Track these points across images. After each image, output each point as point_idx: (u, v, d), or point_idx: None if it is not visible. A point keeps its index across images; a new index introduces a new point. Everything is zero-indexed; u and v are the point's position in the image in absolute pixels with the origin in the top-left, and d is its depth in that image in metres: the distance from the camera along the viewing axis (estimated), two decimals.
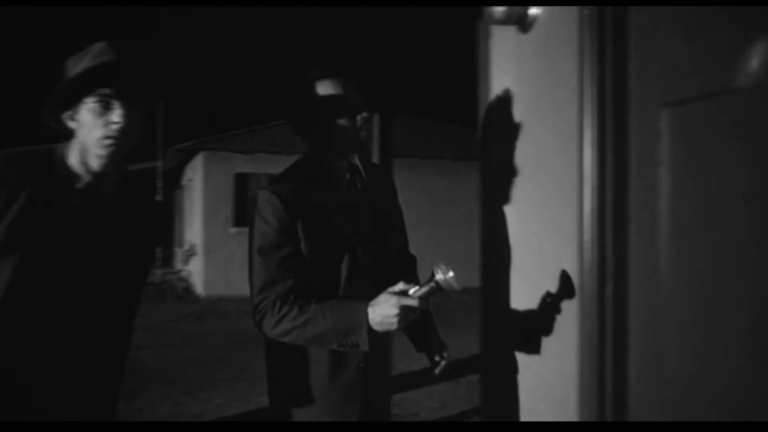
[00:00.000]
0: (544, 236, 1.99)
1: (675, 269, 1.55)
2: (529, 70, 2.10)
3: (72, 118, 1.56)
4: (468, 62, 2.47)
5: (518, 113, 2.14)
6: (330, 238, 1.75)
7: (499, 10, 2.08)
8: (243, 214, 13.43)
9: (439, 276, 1.55)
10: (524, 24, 2.10)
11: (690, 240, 1.52)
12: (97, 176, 1.56)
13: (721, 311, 1.43)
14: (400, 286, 1.61)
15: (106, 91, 1.52)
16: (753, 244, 1.35)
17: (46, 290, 1.50)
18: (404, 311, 1.57)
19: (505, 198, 2.18)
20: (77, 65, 1.54)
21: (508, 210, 2.19)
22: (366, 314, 1.62)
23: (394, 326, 1.60)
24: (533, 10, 2.07)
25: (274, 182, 1.81)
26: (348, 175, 1.86)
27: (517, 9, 2.07)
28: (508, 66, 2.22)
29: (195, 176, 14.43)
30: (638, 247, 1.67)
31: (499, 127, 2.23)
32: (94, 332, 1.57)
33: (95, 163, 1.54)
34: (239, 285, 13.46)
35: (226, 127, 13.85)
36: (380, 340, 1.70)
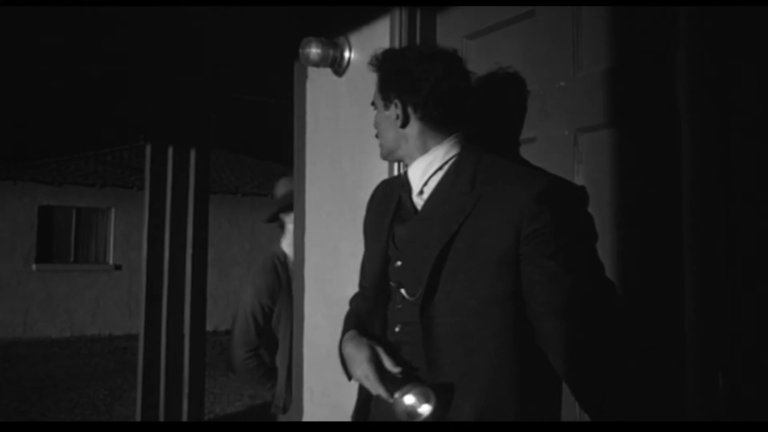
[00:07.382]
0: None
1: None
2: (343, 110, 2.16)
3: (285, 219, 2.63)
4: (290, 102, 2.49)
5: (331, 152, 2.19)
6: None
7: (314, 52, 2.13)
8: (48, 249, 12.46)
9: (397, 395, 1.29)
10: (339, 67, 2.17)
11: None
12: None
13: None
14: (388, 363, 1.37)
15: None
16: None
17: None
18: (363, 380, 1.39)
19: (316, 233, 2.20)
20: (279, 191, 2.68)
21: (320, 245, 2.21)
22: (341, 346, 1.48)
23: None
24: (347, 54, 2.14)
25: None
26: None
27: (332, 52, 2.13)
28: (324, 106, 2.27)
29: None
30: None
31: (312, 166, 2.27)
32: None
33: None
34: (40, 327, 12.30)
35: (29, 155, 12.70)
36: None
